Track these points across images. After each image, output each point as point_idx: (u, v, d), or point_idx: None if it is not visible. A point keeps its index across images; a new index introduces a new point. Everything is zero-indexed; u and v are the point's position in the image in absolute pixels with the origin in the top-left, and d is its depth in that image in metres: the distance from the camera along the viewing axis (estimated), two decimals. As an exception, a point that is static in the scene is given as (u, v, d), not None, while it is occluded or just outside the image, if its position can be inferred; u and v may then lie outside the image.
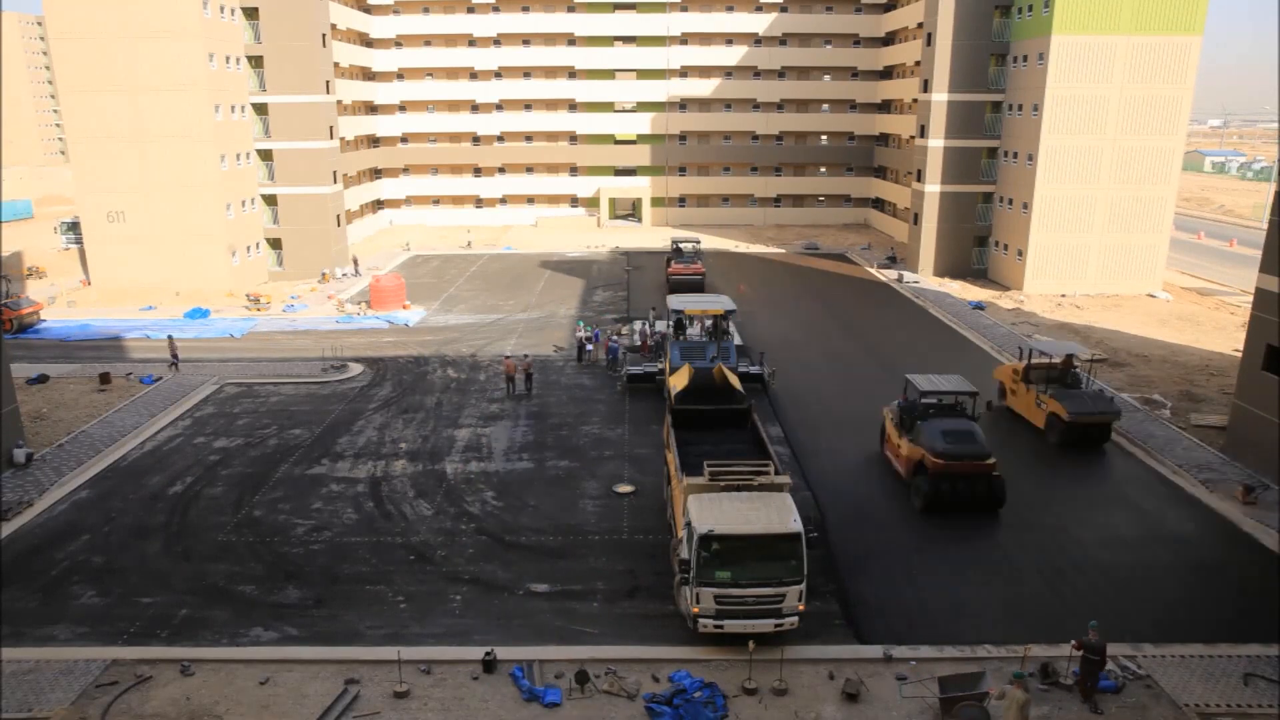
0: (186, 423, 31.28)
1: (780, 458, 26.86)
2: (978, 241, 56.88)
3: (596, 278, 56.96)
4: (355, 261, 58.64)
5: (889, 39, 75.72)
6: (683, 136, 79.10)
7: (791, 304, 49.89)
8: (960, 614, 19.63)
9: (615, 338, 39.62)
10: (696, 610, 18.24)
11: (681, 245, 52.72)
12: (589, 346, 38.64)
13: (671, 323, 35.41)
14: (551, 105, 78.82)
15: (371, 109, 76.53)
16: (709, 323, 35.59)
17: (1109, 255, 51.30)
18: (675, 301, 35.57)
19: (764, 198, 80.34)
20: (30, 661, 17.77)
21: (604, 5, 76.16)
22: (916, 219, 57.81)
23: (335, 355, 38.59)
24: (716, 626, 18.23)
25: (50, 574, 21.31)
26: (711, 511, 18.48)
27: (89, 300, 49.29)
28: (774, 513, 18.72)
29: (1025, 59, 51.62)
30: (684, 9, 76.17)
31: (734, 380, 27.59)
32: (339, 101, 62.27)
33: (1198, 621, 19.29)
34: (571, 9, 76.16)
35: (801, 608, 18.34)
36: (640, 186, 79.71)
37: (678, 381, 27.15)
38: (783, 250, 67.56)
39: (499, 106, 78.71)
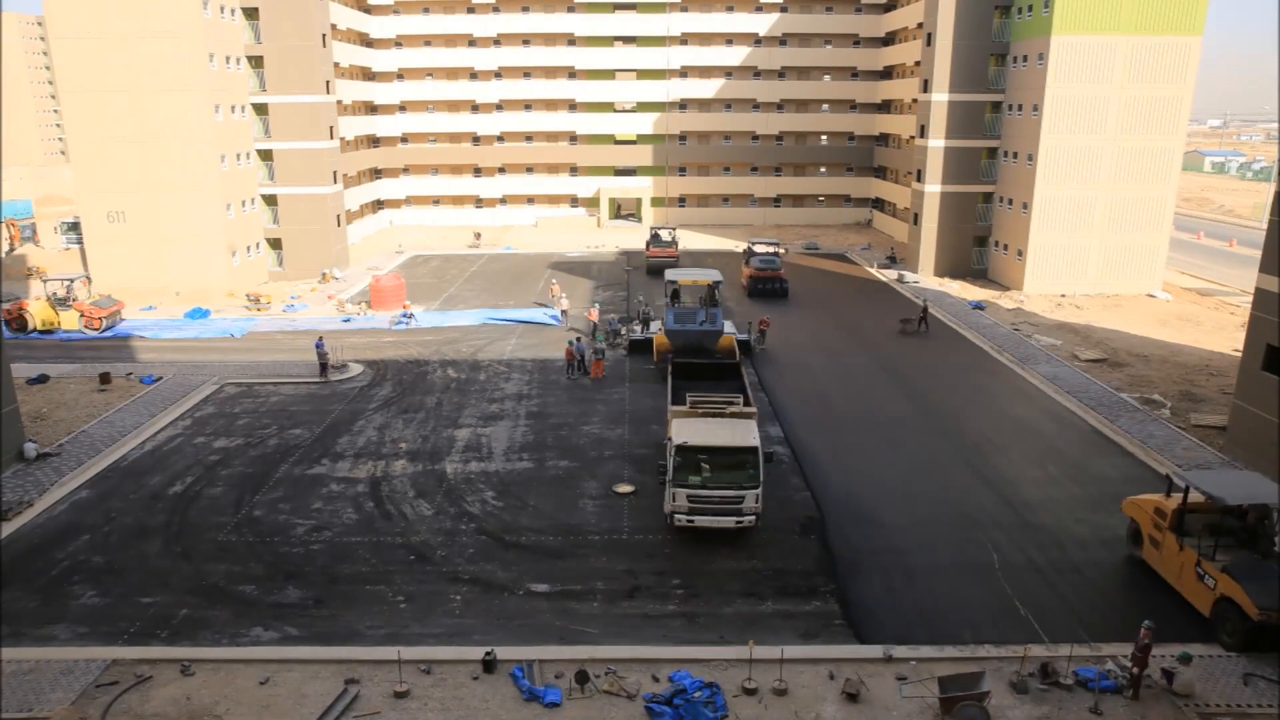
0: (186, 423, 31.28)
1: (780, 457, 27.45)
2: (978, 241, 56.88)
3: (597, 277, 56.98)
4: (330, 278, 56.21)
5: (889, 39, 75.73)
6: (683, 137, 79.10)
7: (791, 304, 49.88)
8: (960, 614, 19.63)
9: (579, 340, 38.47)
10: (673, 508, 22.27)
11: (659, 231, 61.48)
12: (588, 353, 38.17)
13: (668, 292, 38.40)
14: (551, 105, 78.82)
15: (371, 109, 76.51)
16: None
17: (1109, 255, 51.30)
18: (671, 274, 38.67)
19: (764, 198, 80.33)
20: (30, 661, 17.76)
21: (604, 5, 76.15)
22: (916, 219, 57.81)
23: (335, 355, 38.53)
24: (689, 521, 22.22)
25: (50, 574, 21.31)
26: (688, 429, 23.07)
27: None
28: (737, 431, 23.07)
29: (1025, 59, 51.62)
30: (684, 9, 76.15)
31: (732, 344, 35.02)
32: (339, 101, 62.25)
33: (1198, 621, 19.27)
34: (571, 9, 76.16)
35: (758, 509, 22.23)
36: (640, 186, 79.72)
37: (661, 342, 35.08)
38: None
39: (499, 106, 78.72)
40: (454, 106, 78.94)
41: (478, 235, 71.19)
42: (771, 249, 55.15)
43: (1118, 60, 48.51)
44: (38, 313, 42.96)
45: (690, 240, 70.42)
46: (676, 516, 22.36)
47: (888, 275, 57.26)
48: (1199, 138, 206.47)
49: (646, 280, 55.80)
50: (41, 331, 42.93)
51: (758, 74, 77.56)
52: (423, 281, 55.35)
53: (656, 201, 79.71)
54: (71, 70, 48.21)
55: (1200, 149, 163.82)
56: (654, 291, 50.84)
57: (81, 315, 42.97)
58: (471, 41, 77.21)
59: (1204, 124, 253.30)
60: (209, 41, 48.92)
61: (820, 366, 38.21)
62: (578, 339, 38.30)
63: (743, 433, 22.92)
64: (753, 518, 22.20)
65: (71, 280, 44.24)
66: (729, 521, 22.11)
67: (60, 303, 43.40)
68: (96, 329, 42.92)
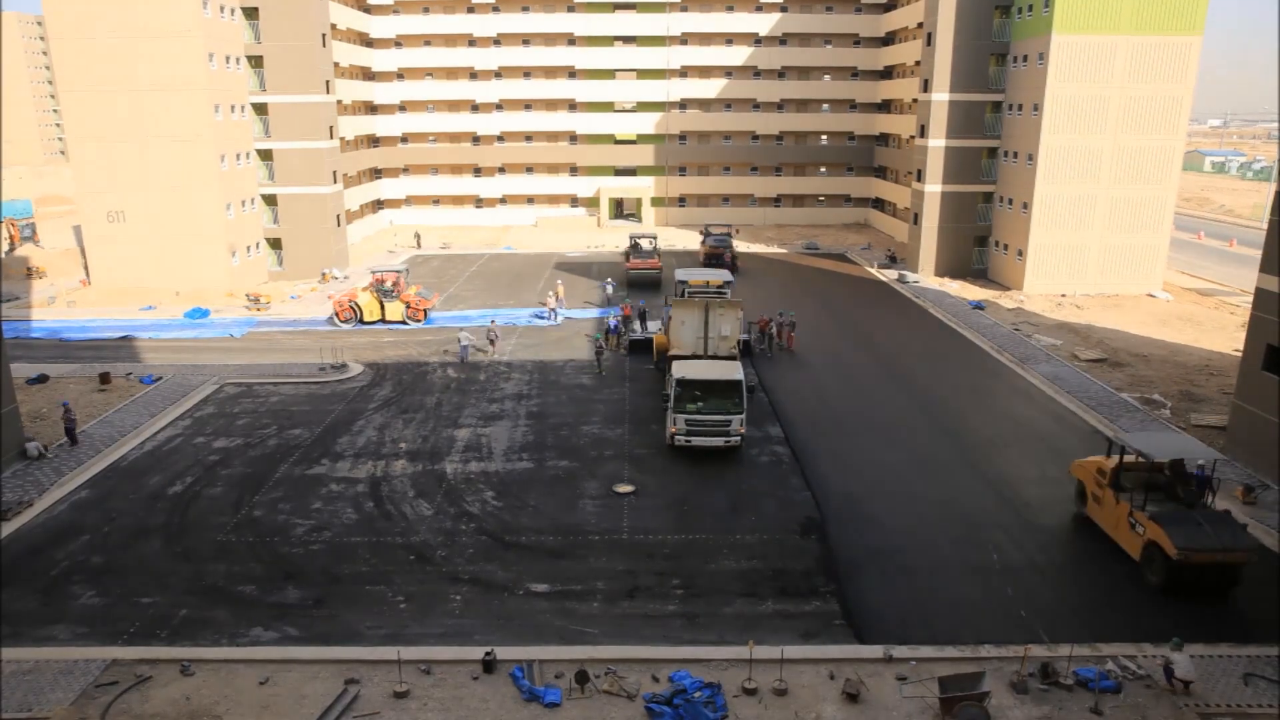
0: (186, 423, 31.27)
1: (779, 458, 28.03)
2: (978, 241, 56.87)
3: (597, 277, 56.93)
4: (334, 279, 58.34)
5: (889, 39, 75.71)
6: (683, 136, 79.09)
7: (790, 304, 49.83)
8: (960, 614, 19.62)
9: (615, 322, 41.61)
10: (674, 430, 27.29)
11: (640, 241, 55.80)
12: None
13: (678, 292, 38.92)
14: (551, 105, 78.81)
15: (371, 109, 76.52)
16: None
17: (1109, 255, 51.28)
18: (680, 274, 39.35)
19: (764, 198, 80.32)
20: (30, 661, 17.77)
21: (604, 5, 76.15)
22: (916, 219, 57.79)
23: (335, 356, 38.54)
24: (687, 441, 27.24)
25: (50, 574, 21.31)
26: (685, 367, 28.48)
27: (89, 300, 49.26)
28: (724, 369, 28.27)
29: (1025, 59, 51.61)
30: (684, 9, 76.15)
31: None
32: (339, 101, 62.25)
33: (1198, 621, 19.27)
34: (571, 9, 76.15)
35: (742, 431, 27.37)
36: (640, 186, 79.70)
37: (661, 342, 34.79)
38: (783, 250, 67.56)
39: (499, 106, 78.71)
40: (454, 106, 78.93)
41: (418, 236, 70.04)
42: (724, 230, 59.98)
43: (1118, 60, 48.50)
44: (364, 305, 44.39)
45: (689, 240, 70.34)
46: (677, 438, 27.31)
47: (888, 275, 57.26)
48: (1199, 138, 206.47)
49: (629, 295, 50.44)
50: (366, 322, 44.38)
51: (758, 74, 77.55)
52: (423, 281, 55.29)
53: (656, 201, 79.70)
54: (71, 70, 48.19)
55: (1200, 149, 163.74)
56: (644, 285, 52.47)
57: (407, 306, 44.52)
58: (471, 41, 77.20)
59: (1204, 124, 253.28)
60: (209, 41, 48.90)
61: (820, 366, 38.19)
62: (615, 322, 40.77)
63: (729, 370, 28.07)
64: (738, 439, 27.22)
65: (399, 273, 45.49)
66: (719, 441, 27.10)
67: (386, 295, 44.63)
68: (419, 320, 44.55)
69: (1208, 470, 21.65)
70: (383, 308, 44.65)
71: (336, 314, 44.63)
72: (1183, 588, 20.10)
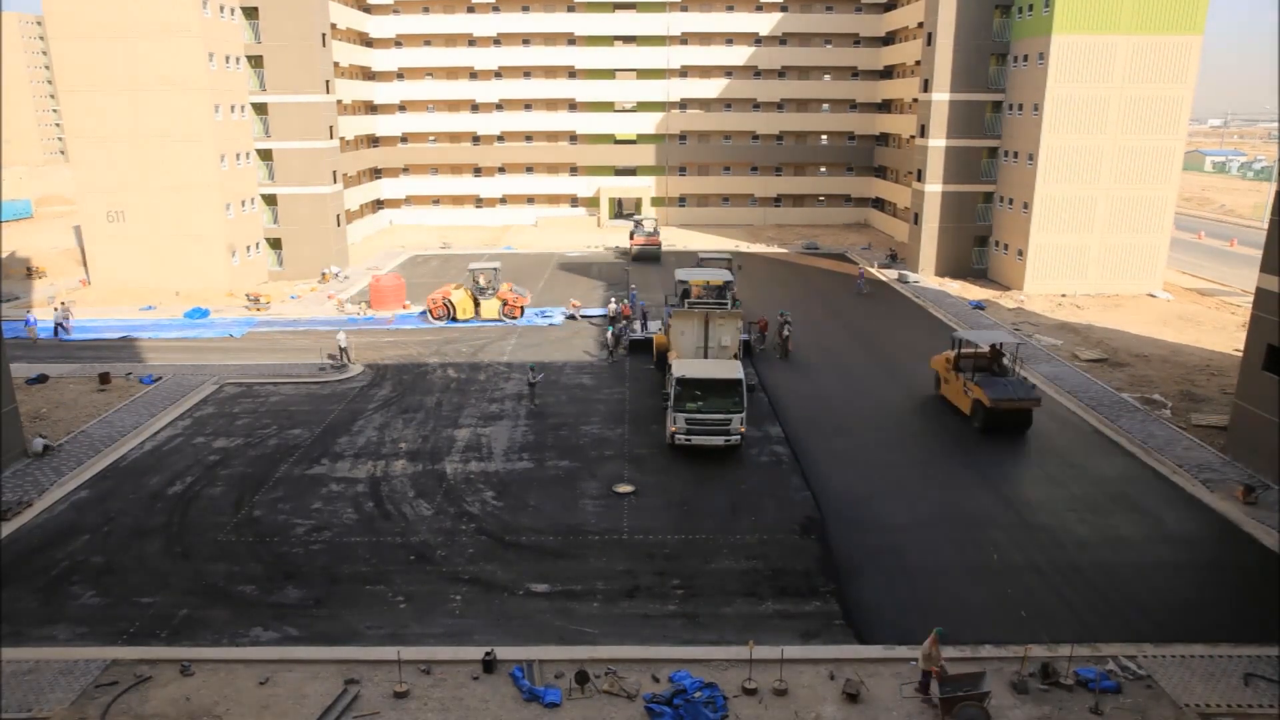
0: (186, 422, 31.27)
1: (779, 458, 28.03)
2: (978, 241, 56.86)
3: (597, 276, 56.97)
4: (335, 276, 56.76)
5: (889, 39, 75.70)
6: (683, 136, 79.08)
7: (792, 303, 49.85)
8: (960, 614, 19.62)
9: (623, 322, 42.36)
10: (674, 429, 27.31)
11: (642, 221, 63.76)
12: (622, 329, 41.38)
13: (678, 292, 38.79)
14: (551, 105, 78.80)
15: (371, 109, 76.50)
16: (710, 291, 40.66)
17: (1109, 255, 51.28)
18: (681, 274, 39.48)
19: (764, 198, 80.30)
20: (30, 661, 17.76)
21: (604, 5, 76.14)
22: (917, 219, 57.79)
23: (335, 357, 38.52)
24: (687, 440, 27.29)
25: (50, 574, 21.31)
26: (685, 366, 28.58)
27: (89, 300, 49.26)
28: (724, 368, 28.48)
29: (1025, 59, 51.60)
30: (684, 9, 76.13)
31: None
32: (339, 101, 62.25)
33: (1198, 621, 19.28)
34: (571, 9, 76.14)
35: (742, 430, 27.40)
36: (640, 186, 79.69)
37: (661, 342, 35.46)
38: (784, 250, 67.54)
39: (499, 106, 78.69)
40: (454, 106, 78.91)
41: (329, 274, 55.90)
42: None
43: (1118, 60, 48.49)
44: (458, 303, 44.56)
45: (690, 240, 70.42)
46: (677, 436, 27.37)
47: (888, 275, 57.24)
48: (1199, 138, 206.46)
49: (635, 269, 58.67)
50: (459, 320, 44.55)
51: (758, 73, 77.54)
52: (423, 281, 55.28)
53: (657, 201, 79.68)
54: (71, 70, 48.20)
55: (1200, 149, 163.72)
56: (645, 280, 52.79)
57: (504, 304, 44.81)
58: (471, 41, 77.18)
59: (1204, 124, 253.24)
60: (209, 41, 48.90)
61: (820, 366, 38.19)
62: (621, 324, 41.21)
63: (729, 368, 28.23)
64: (738, 437, 27.33)
65: (495, 270, 45.83)
66: (719, 440, 27.15)
67: (480, 292, 44.94)
68: (516, 317, 45.04)
69: (1016, 351, 32.33)
70: (477, 305, 44.86)
71: (430, 311, 44.89)
72: (995, 429, 29.63)
